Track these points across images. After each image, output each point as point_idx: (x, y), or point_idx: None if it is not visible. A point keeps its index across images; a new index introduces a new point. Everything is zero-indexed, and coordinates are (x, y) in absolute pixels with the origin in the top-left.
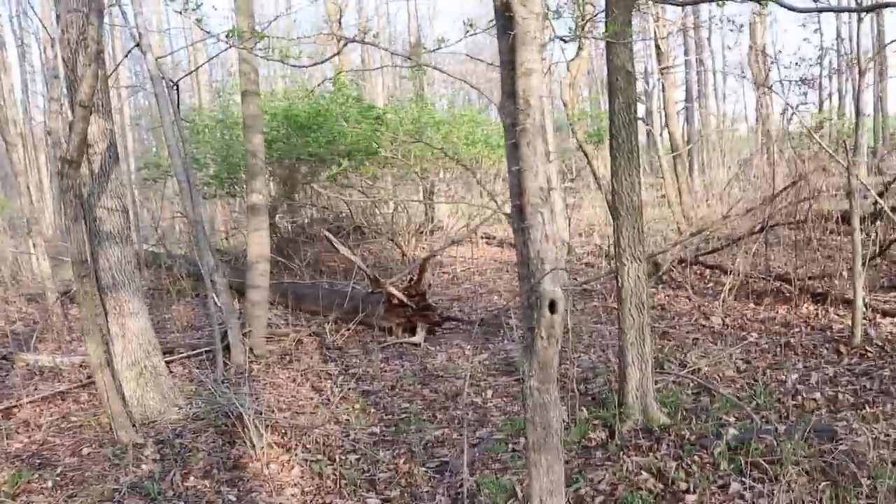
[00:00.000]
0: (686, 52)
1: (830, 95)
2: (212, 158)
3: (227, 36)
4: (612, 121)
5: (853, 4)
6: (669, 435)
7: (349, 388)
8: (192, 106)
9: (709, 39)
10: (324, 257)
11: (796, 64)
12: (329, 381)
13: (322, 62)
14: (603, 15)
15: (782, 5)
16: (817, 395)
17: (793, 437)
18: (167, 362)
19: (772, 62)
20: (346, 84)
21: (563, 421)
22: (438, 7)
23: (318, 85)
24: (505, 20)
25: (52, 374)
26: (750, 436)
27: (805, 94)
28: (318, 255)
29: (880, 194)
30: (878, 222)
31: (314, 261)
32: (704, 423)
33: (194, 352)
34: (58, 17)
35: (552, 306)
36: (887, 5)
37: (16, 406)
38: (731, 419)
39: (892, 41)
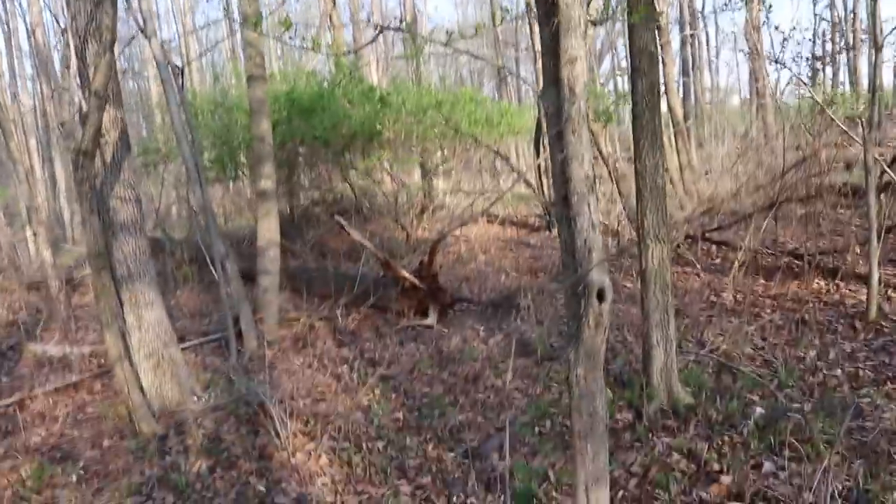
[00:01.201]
0: (681, 26)
1: (825, 68)
2: (211, 143)
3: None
4: (636, 102)
5: None
6: (696, 415)
7: (367, 374)
8: (188, 90)
9: (702, 13)
10: (327, 239)
11: (808, 39)
12: (345, 366)
13: (350, 52)
14: None
15: None
16: (838, 371)
17: (820, 415)
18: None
19: (785, 38)
20: (346, 65)
21: None
22: None
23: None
24: (547, 7)
25: (61, 364)
26: (777, 415)
27: (815, 69)
28: (321, 237)
29: (889, 165)
30: (886, 195)
31: (317, 243)
32: (730, 403)
33: (206, 339)
34: (68, 3)
35: (601, 295)
36: None
37: (29, 397)
38: (756, 398)
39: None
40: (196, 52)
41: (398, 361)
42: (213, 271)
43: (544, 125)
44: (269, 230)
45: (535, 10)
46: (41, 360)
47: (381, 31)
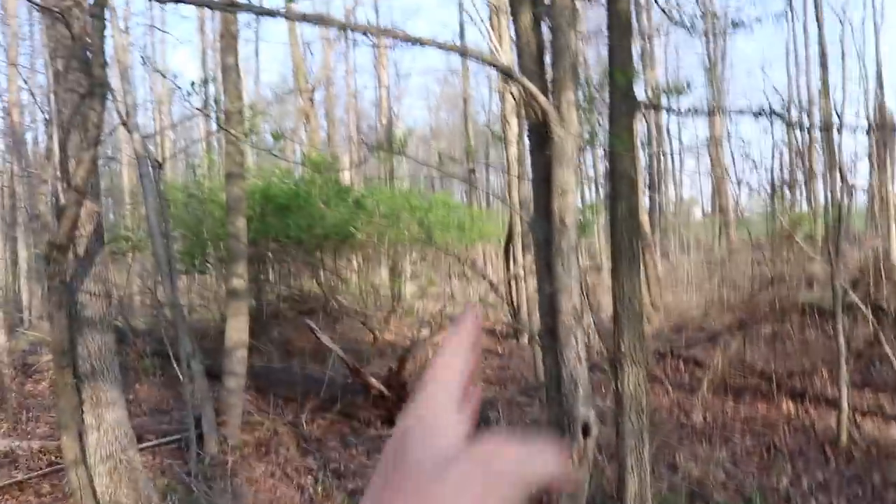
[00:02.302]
0: (648, 141)
1: (783, 188)
2: (181, 235)
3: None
4: (615, 227)
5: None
6: None
7: (332, 487)
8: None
9: (668, 129)
10: (293, 337)
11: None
12: (310, 476)
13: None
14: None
15: (784, 122)
16: (812, 502)
17: None
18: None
19: (746, 155)
20: (321, 162)
21: None
22: (404, 85)
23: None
24: (540, 138)
25: (7, 459)
26: None
27: (774, 188)
28: (286, 335)
29: (852, 285)
30: (849, 317)
31: (283, 341)
32: None
33: (165, 440)
34: (55, 94)
35: (585, 430)
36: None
37: None
38: None
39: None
40: (172, 141)
41: (365, 475)
42: (177, 367)
43: (514, 233)
44: (238, 330)
45: (503, 137)
46: None
47: (370, 150)
